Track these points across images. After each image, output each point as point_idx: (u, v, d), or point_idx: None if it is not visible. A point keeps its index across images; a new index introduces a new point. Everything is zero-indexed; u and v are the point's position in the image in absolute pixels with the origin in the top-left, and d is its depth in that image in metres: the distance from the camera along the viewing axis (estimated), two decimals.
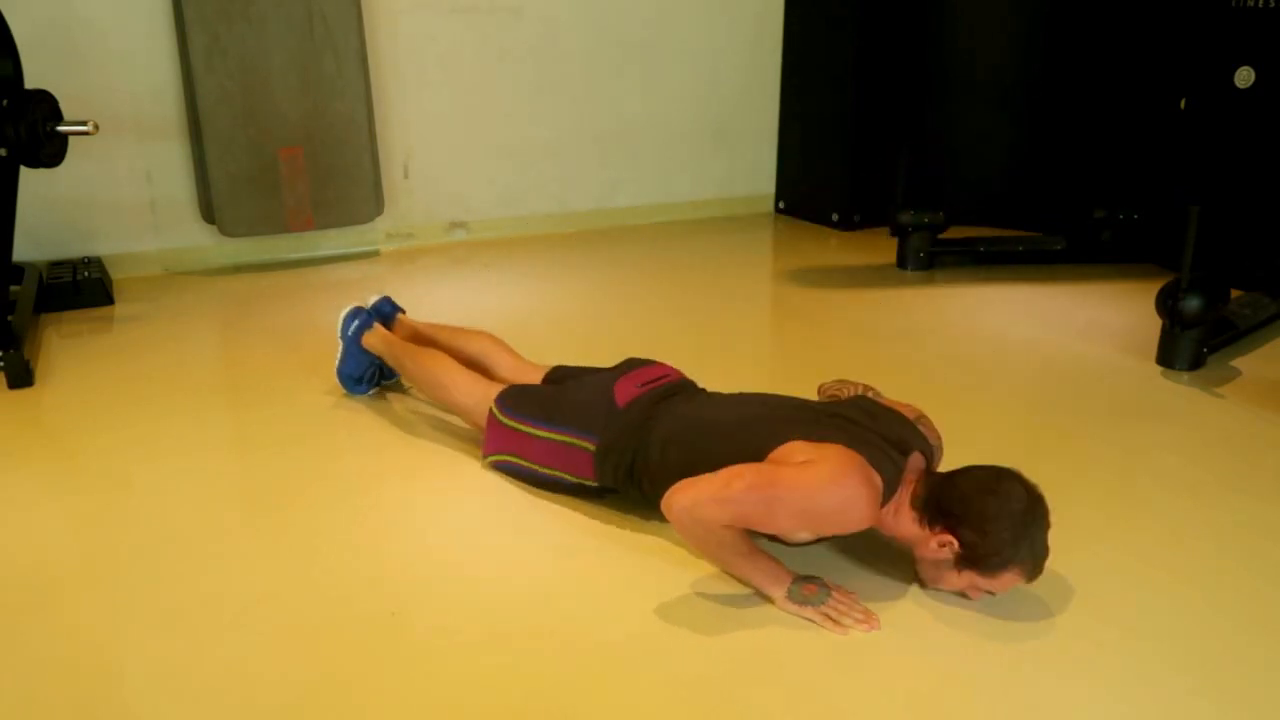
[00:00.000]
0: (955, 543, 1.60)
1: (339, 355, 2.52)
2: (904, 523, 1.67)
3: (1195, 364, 2.77)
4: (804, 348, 3.05)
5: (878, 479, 1.61)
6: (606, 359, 2.20)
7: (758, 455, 1.67)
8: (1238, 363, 2.84)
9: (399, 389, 2.62)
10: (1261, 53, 3.28)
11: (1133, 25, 3.88)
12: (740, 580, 1.71)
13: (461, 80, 4.13)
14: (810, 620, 1.62)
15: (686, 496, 1.62)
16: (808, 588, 1.66)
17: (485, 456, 2.13)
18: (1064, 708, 1.44)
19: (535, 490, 2.08)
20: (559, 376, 2.20)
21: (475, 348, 2.38)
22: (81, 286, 3.34)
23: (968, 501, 1.60)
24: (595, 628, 1.63)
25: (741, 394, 1.99)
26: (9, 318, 2.80)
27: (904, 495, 1.67)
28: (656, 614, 1.66)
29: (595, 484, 1.96)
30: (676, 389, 2.01)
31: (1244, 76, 3.33)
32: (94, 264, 3.53)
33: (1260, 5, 3.25)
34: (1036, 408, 2.56)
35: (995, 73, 4.29)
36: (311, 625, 1.64)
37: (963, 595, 1.68)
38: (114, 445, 2.32)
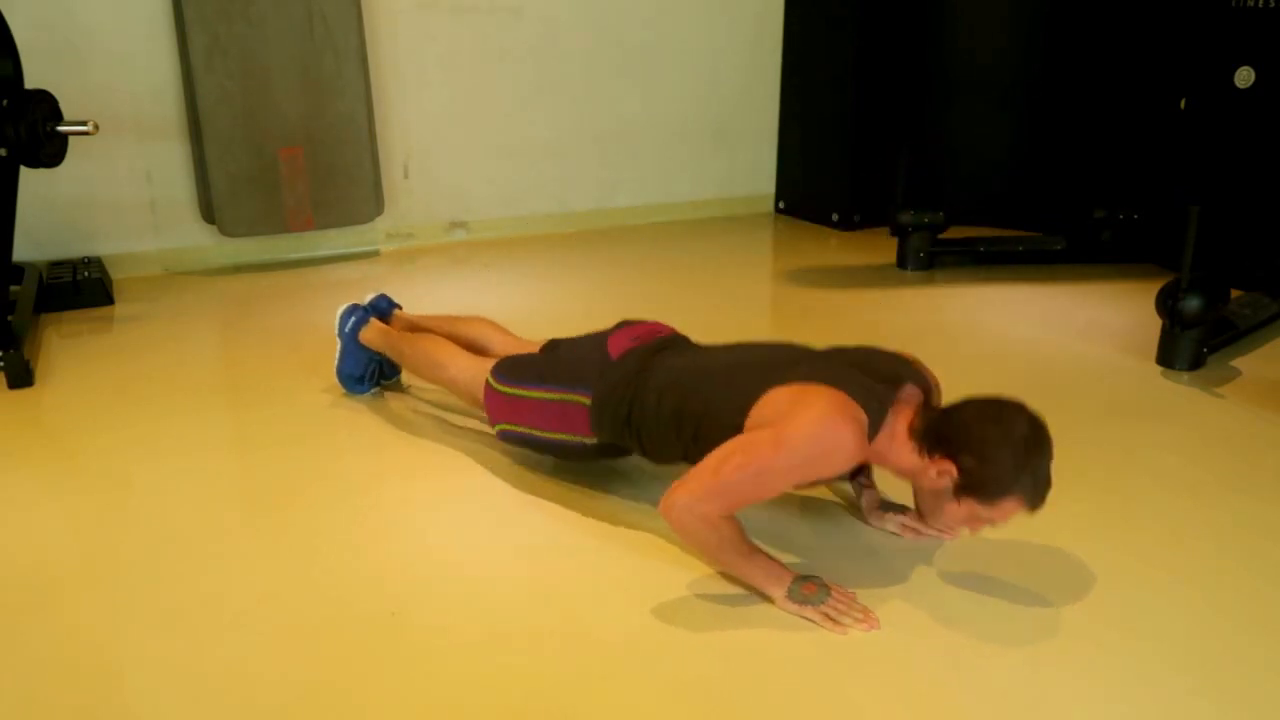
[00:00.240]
0: (955, 470, 1.57)
1: (338, 354, 2.52)
2: (902, 454, 1.65)
3: (1195, 364, 2.77)
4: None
5: (861, 414, 1.60)
6: None
7: (744, 403, 1.67)
8: (1238, 363, 2.84)
9: (399, 389, 2.62)
10: (1261, 53, 3.28)
11: (1133, 25, 3.88)
12: (740, 580, 1.71)
13: (461, 80, 4.13)
14: (810, 620, 1.62)
15: (682, 496, 1.62)
16: (807, 587, 1.66)
17: (493, 426, 2.12)
18: (1064, 707, 1.44)
19: (536, 490, 2.08)
20: (553, 346, 2.20)
21: (472, 331, 2.40)
22: (81, 286, 3.34)
23: (968, 428, 1.58)
24: (595, 628, 1.63)
25: (734, 343, 1.98)
26: (9, 318, 2.80)
27: (899, 426, 1.65)
28: (656, 614, 1.66)
29: (594, 440, 1.95)
30: (669, 343, 2.01)
31: (1244, 76, 3.33)
32: (94, 264, 3.53)
33: (1260, 5, 3.25)
34: (1036, 407, 2.55)
35: (995, 73, 4.29)
36: (311, 625, 1.64)
37: (965, 531, 1.67)
38: (114, 445, 2.32)
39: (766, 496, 1.66)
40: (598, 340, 2.03)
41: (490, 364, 2.13)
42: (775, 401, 1.65)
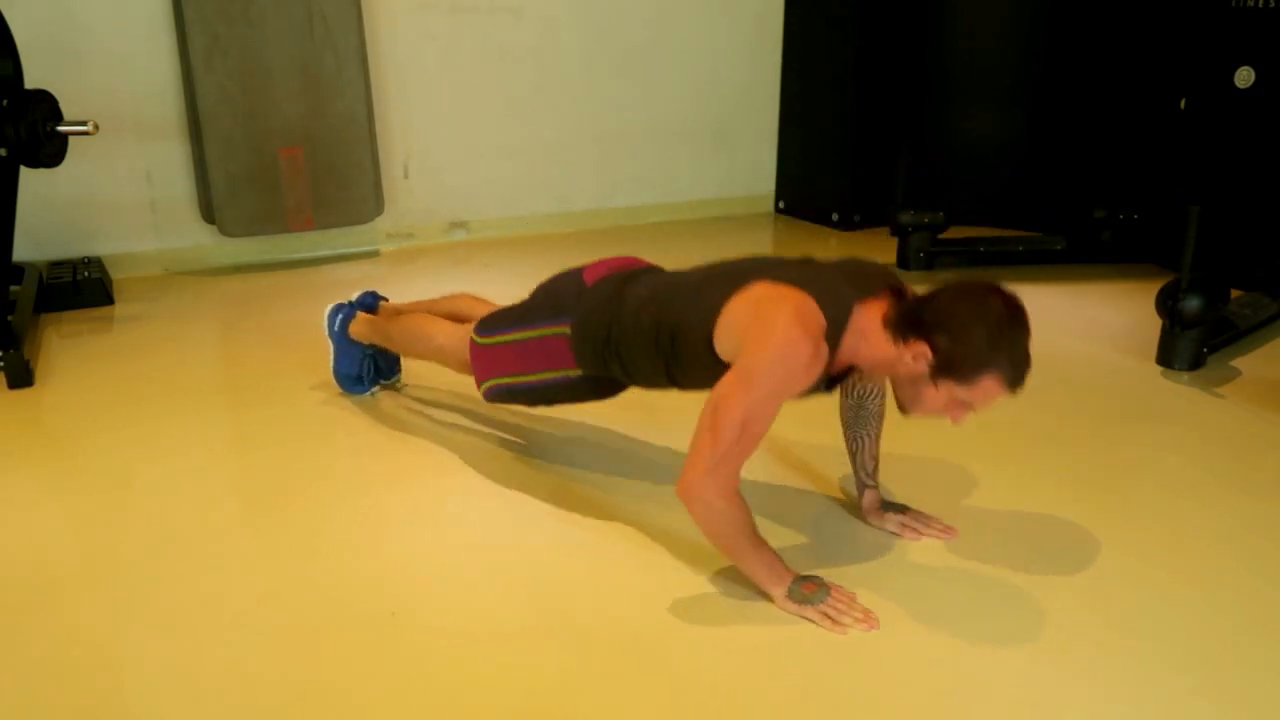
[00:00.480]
0: (929, 350, 1.55)
1: (331, 356, 2.52)
2: (876, 347, 1.63)
3: (1195, 364, 2.77)
4: None
5: (818, 319, 1.58)
6: None
7: (713, 308, 1.68)
8: (1238, 363, 2.84)
9: (399, 389, 2.62)
10: (1261, 53, 3.28)
11: (1133, 25, 3.88)
12: (743, 573, 1.71)
13: (461, 80, 4.13)
14: (809, 620, 1.62)
15: (696, 471, 1.61)
16: (807, 587, 1.66)
17: (480, 387, 2.12)
18: (1064, 707, 1.44)
19: (535, 490, 2.08)
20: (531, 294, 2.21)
21: (454, 305, 2.42)
22: (81, 286, 3.34)
23: (941, 308, 1.56)
24: (595, 628, 1.63)
25: (712, 261, 1.95)
26: (9, 318, 2.80)
27: (871, 322, 1.63)
28: (656, 614, 1.66)
29: (579, 372, 1.96)
30: (645, 270, 2.01)
31: (1244, 76, 3.33)
32: (94, 264, 3.53)
33: (1260, 5, 3.25)
34: (1036, 408, 2.55)
35: (995, 73, 4.29)
36: (311, 625, 1.64)
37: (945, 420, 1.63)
38: (114, 445, 2.32)
39: (764, 430, 1.63)
40: (573, 273, 2.04)
41: (473, 325, 2.15)
42: (736, 312, 1.66)
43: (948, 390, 1.57)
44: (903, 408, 1.68)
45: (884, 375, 1.69)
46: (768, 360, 1.58)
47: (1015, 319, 1.55)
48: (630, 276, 1.96)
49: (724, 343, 1.69)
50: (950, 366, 1.55)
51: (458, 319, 2.32)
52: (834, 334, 1.61)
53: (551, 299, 2.01)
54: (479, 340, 2.09)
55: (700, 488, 1.62)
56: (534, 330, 1.99)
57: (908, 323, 1.59)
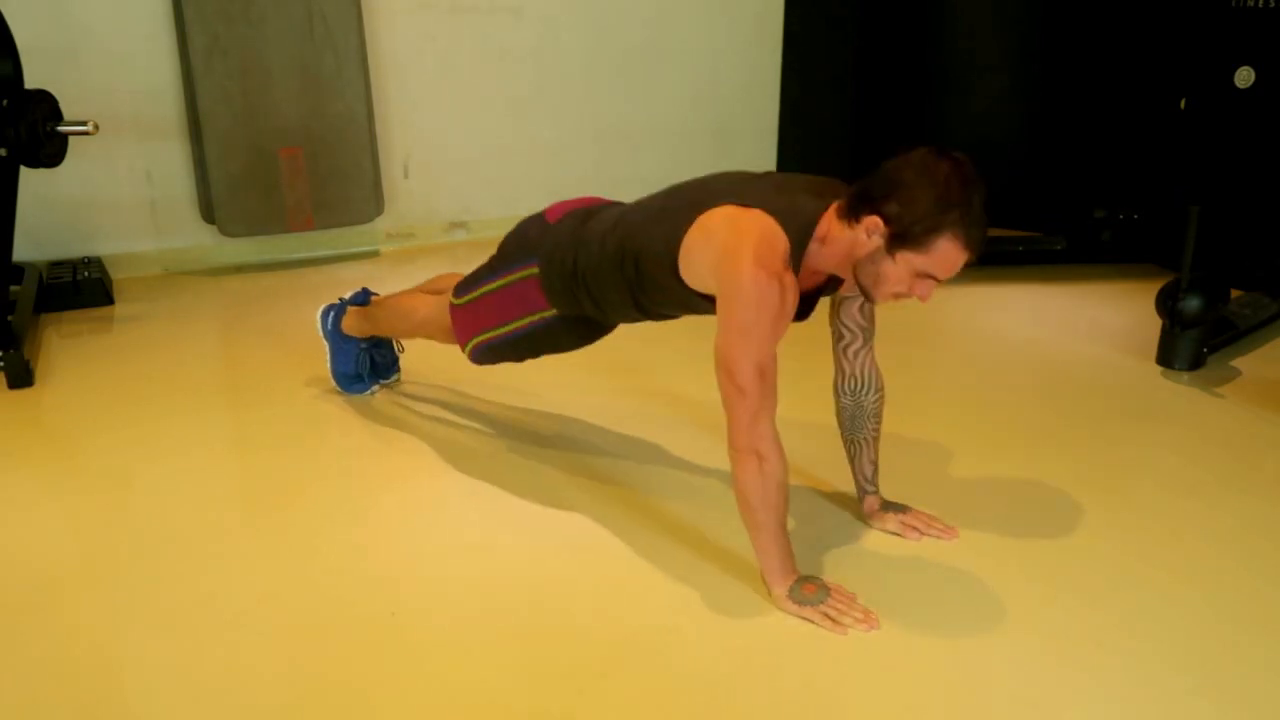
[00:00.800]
0: (880, 222, 1.53)
1: (328, 356, 2.52)
2: (836, 241, 1.61)
3: (1195, 364, 2.77)
4: (803, 348, 3.04)
5: (776, 237, 1.58)
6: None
7: (675, 231, 1.69)
8: (1238, 363, 2.84)
9: (399, 389, 2.62)
10: (1261, 53, 3.28)
11: (1133, 25, 3.88)
12: (756, 551, 1.69)
13: (461, 80, 4.13)
14: (809, 620, 1.62)
15: (740, 429, 1.61)
16: (807, 587, 1.66)
17: (464, 350, 2.13)
18: (1064, 707, 1.44)
19: (534, 490, 2.08)
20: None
21: (438, 284, 2.44)
22: (81, 286, 3.34)
23: (887, 178, 1.55)
24: (595, 628, 1.63)
25: (675, 185, 1.93)
26: (9, 318, 2.80)
27: (828, 222, 1.63)
28: (656, 614, 1.66)
29: (554, 312, 1.96)
30: (608, 205, 2.02)
31: (1244, 76, 3.33)
32: (94, 264, 3.53)
33: (1260, 5, 3.25)
34: (1036, 407, 2.56)
35: (995, 72, 4.29)
36: (311, 625, 1.64)
37: (905, 298, 1.61)
38: (114, 445, 2.32)
39: (776, 368, 1.62)
40: (535, 216, 2.05)
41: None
42: (697, 239, 1.66)
43: (906, 262, 1.55)
44: (867, 294, 1.65)
45: (846, 269, 1.65)
46: (747, 309, 1.58)
47: (963, 176, 1.52)
48: (593, 211, 1.97)
49: (689, 270, 1.70)
50: (904, 235, 1.52)
51: (440, 294, 2.33)
52: (798, 251, 1.61)
53: (519, 242, 2.03)
54: (456, 301, 2.11)
55: (753, 441, 1.61)
56: (504, 278, 2.01)
57: (857, 200, 1.58)
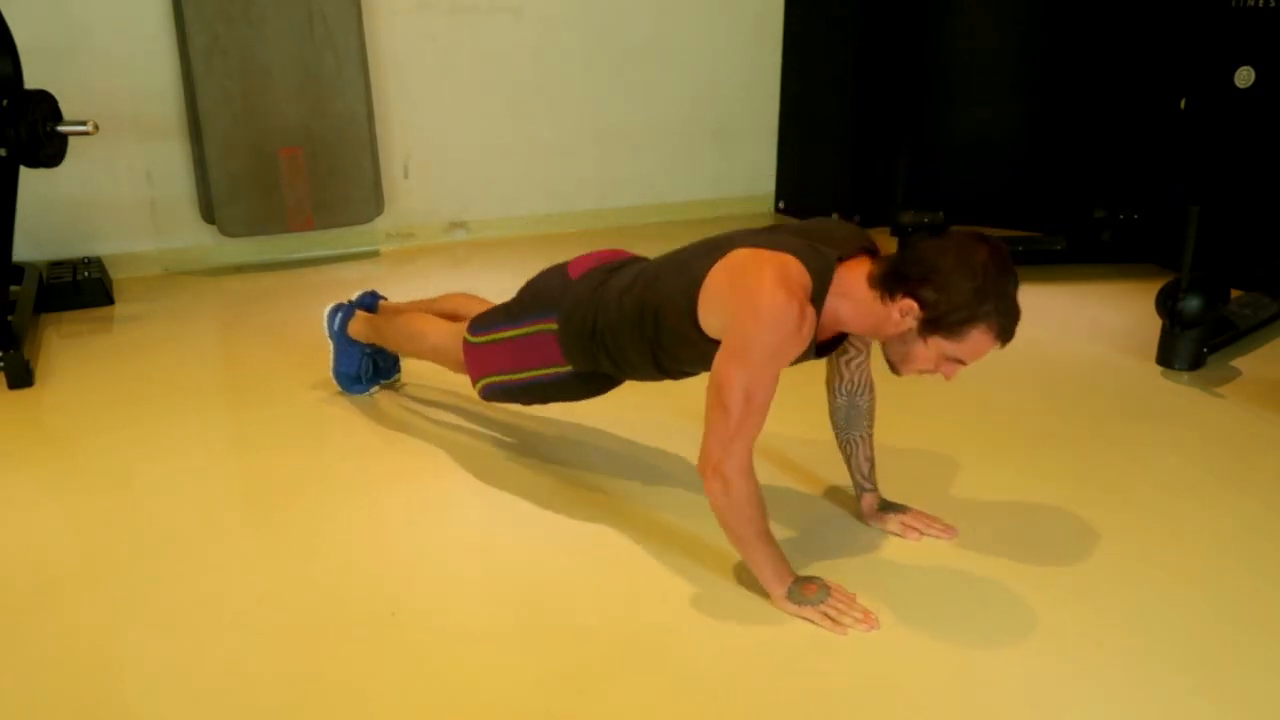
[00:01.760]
0: (916, 306, 1.53)
1: (331, 356, 2.52)
2: (862, 305, 1.61)
3: (1195, 364, 2.77)
4: None
5: (799, 274, 1.57)
6: None
7: (694, 281, 1.68)
8: (1238, 363, 2.84)
9: (398, 389, 2.62)
10: (1261, 53, 3.28)
11: (1133, 25, 3.88)
12: (747, 564, 1.70)
13: (461, 80, 4.13)
14: (809, 620, 1.62)
15: (712, 450, 1.61)
16: (807, 588, 1.66)
17: (475, 385, 2.13)
18: (1064, 707, 1.44)
19: (534, 491, 2.08)
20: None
21: (450, 304, 2.43)
22: (81, 286, 3.34)
23: (926, 261, 1.54)
24: (595, 628, 1.63)
25: (694, 241, 1.94)
26: (9, 318, 2.79)
27: (855, 283, 1.62)
28: (656, 614, 1.66)
29: (570, 368, 1.96)
30: (630, 261, 2.01)
31: (1244, 76, 3.33)
32: (94, 264, 3.53)
33: (1260, 5, 3.25)
34: (1036, 407, 2.56)
35: (995, 72, 4.29)
36: (311, 625, 1.64)
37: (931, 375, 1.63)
38: (114, 445, 2.32)
39: (767, 400, 1.61)
40: (559, 268, 2.04)
41: (466, 324, 2.15)
42: (717, 281, 1.65)
43: (937, 346, 1.56)
44: (893, 367, 1.66)
45: (871, 336, 1.67)
46: (757, 329, 1.56)
47: (1002, 268, 1.52)
48: (615, 267, 1.97)
49: (708, 317, 1.68)
50: (939, 322, 1.53)
51: (453, 318, 2.33)
52: (819, 294, 1.60)
53: (539, 295, 2.02)
54: (471, 339, 2.09)
55: (719, 463, 1.61)
56: (523, 328, 2.00)
57: (893, 279, 1.57)
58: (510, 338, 2.02)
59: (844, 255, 1.65)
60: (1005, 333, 1.55)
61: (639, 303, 1.80)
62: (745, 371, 1.58)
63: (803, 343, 1.60)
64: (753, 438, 1.62)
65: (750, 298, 1.57)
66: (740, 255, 1.65)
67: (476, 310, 2.32)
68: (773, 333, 1.56)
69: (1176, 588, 1.75)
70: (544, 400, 2.12)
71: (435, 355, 2.27)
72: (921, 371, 1.63)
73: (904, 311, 1.55)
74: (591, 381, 2.00)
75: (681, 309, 1.70)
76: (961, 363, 1.58)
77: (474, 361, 2.10)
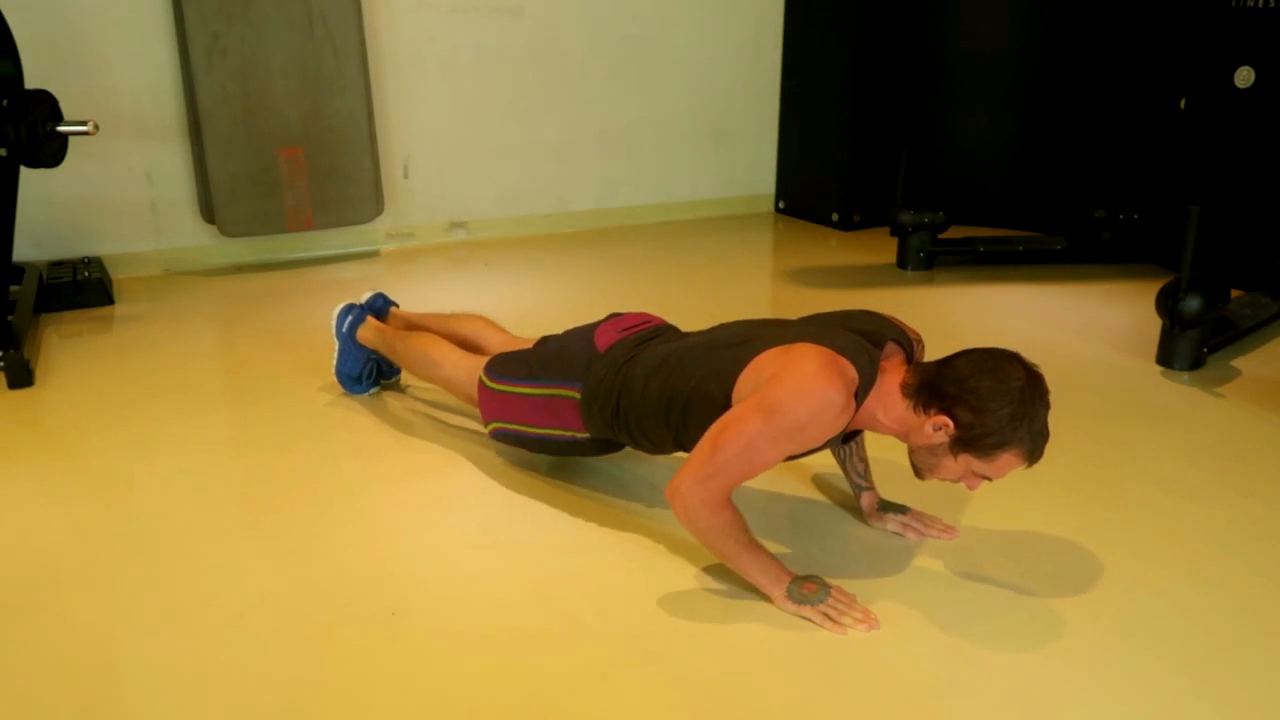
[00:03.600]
0: (951, 424, 1.55)
1: (336, 354, 2.52)
2: (894, 411, 1.63)
3: (1195, 364, 2.77)
4: None
5: (849, 370, 1.58)
6: None
7: (731, 373, 1.67)
8: (1238, 363, 2.84)
9: (398, 389, 2.62)
10: (1261, 53, 3.28)
11: (1133, 25, 3.88)
12: (741, 575, 1.71)
13: (461, 80, 4.13)
14: (809, 620, 1.62)
15: (685, 479, 1.62)
16: (807, 587, 1.66)
17: (485, 424, 2.13)
18: (1063, 708, 1.44)
19: (534, 491, 2.08)
20: (544, 341, 2.20)
21: (466, 328, 2.41)
22: (81, 286, 3.34)
23: (963, 381, 1.56)
24: (595, 627, 1.63)
25: (719, 324, 1.96)
26: (9, 318, 2.80)
27: (890, 385, 1.64)
28: (656, 614, 1.66)
29: (586, 435, 1.96)
30: (657, 333, 2.01)
31: (1244, 76, 3.33)
32: (94, 264, 3.53)
33: (1260, 5, 3.25)
34: None
35: (995, 72, 4.29)
36: (311, 625, 1.64)
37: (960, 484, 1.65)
38: (114, 445, 2.32)
39: (764, 468, 1.64)
40: (585, 333, 2.03)
41: (483, 362, 2.14)
42: (761, 365, 1.64)
43: (966, 463, 1.59)
44: (918, 472, 1.69)
45: (899, 438, 1.70)
46: (796, 398, 1.56)
47: (1036, 392, 1.56)
48: (641, 340, 1.95)
49: (744, 394, 1.66)
50: (972, 443, 1.56)
51: (468, 345, 2.32)
52: (862, 392, 1.62)
53: (563, 360, 2.00)
54: (488, 384, 2.08)
55: (687, 495, 1.62)
56: (544, 389, 1.99)
57: (929, 393, 1.59)
58: (531, 395, 2.01)
59: (881, 350, 1.67)
60: (1034, 455, 1.58)
61: (664, 391, 1.78)
62: (760, 426, 1.58)
63: (826, 434, 1.62)
64: (729, 485, 1.62)
65: (801, 374, 1.57)
66: (792, 353, 1.63)
67: (493, 340, 2.32)
68: (809, 410, 1.56)
69: (1176, 588, 1.75)
70: (554, 454, 2.11)
71: (447, 386, 2.27)
72: (946, 480, 1.66)
73: (937, 427, 1.58)
74: (604, 445, 2.01)
75: (714, 399, 1.69)
76: (988, 479, 1.61)
77: (489, 405, 2.09)
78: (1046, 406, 1.57)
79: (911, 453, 1.67)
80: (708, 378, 1.71)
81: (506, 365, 2.08)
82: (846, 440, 1.89)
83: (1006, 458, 1.56)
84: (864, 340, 1.66)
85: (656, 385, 1.80)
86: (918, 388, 1.61)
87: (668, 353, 1.86)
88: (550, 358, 2.03)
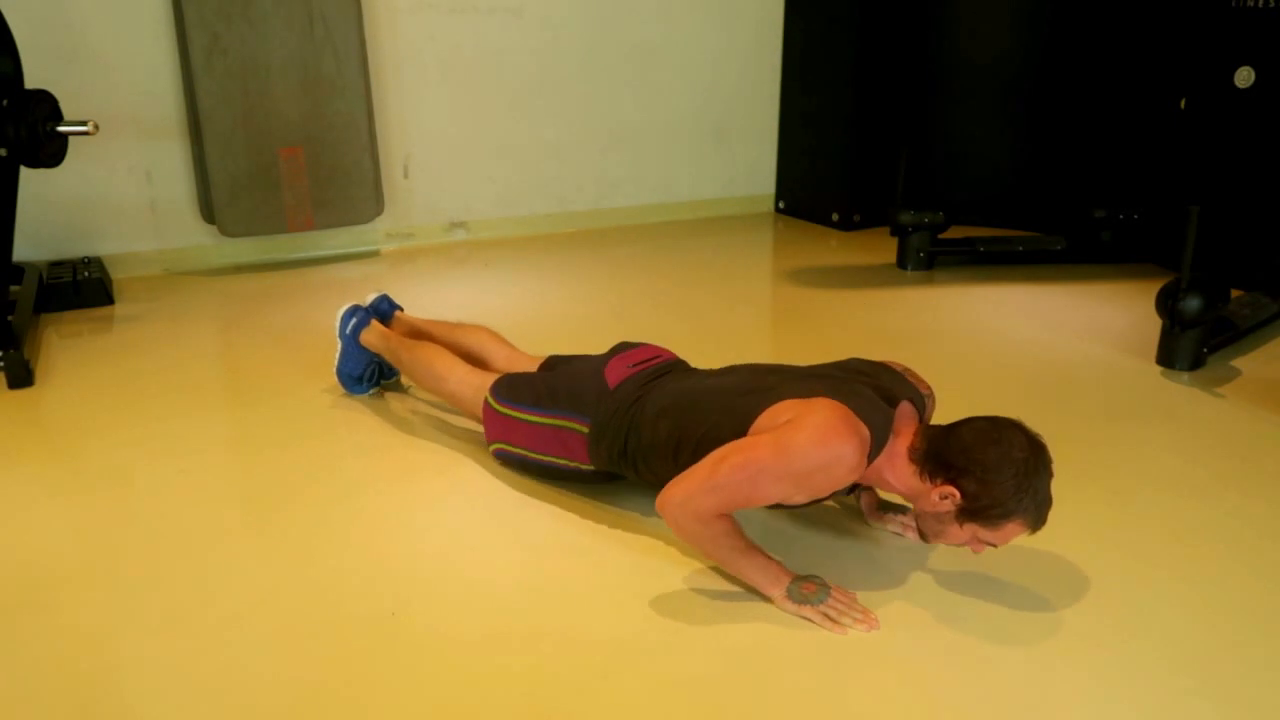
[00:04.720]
0: (957, 494, 1.57)
1: (338, 354, 2.52)
2: (902, 475, 1.65)
3: (1195, 364, 2.77)
4: (804, 348, 3.04)
5: (864, 430, 1.59)
6: None
7: (746, 419, 1.67)
8: (1238, 363, 2.84)
9: (399, 389, 2.62)
10: (1261, 53, 3.28)
11: (1133, 25, 3.88)
12: (740, 578, 1.71)
13: (461, 80, 4.13)
14: (809, 619, 1.62)
15: (677, 492, 1.63)
16: (806, 586, 1.66)
17: (488, 444, 2.14)
18: (1063, 708, 1.44)
19: (534, 491, 2.08)
20: (553, 364, 2.21)
21: (472, 341, 2.39)
22: (81, 286, 3.34)
23: (969, 452, 1.58)
24: (595, 627, 1.63)
25: (732, 366, 1.98)
26: (9, 318, 2.80)
27: (899, 447, 1.66)
28: (656, 613, 1.66)
29: (591, 468, 1.96)
30: (667, 369, 2.01)
31: (1244, 76, 3.33)
32: (94, 264, 3.53)
33: (1260, 5, 3.25)
34: (1036, 408, 2.55)
35: (995, 73, 4.29)
36: (311, 625, 1.64)
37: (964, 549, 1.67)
38: (114, 445, 2.32)
39: (760, 502, 1.66)
40: (596, 366, 2.02)
41: (490, 381, 2.13)
42: (777, 413, 1.65)
43: (972, 530, 1.61)
44: (924, 537, 1.70)
45: (906, 500, 1.72)
46: (811, 441, 1.57)
47: (1040, 463, 1.58)
48: (651, 376, 1.95)
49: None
50: (978, 512, 1.58)
51: (473, 358, 2.31)
52: (874, 453, 1.63)
53: (572, 393, 1.99)
54: (495, 407, 2.08)
55: (677, 507, 1.64)
56: (552, 419, 1.99)
57: (935, 462, 1.61)
58: (538, 423, 2.01)
59: (894, 409, 1.68)
60: (1038, 523, 1.60)
61: (675, 432, 1.79)
62: (770, 461, 1.59)
63: (829, 488, 1.63)
64: (719, 506, 1.63)
65: (820, 424, 1.57)
66: (818, 401, 1.63)
67: (498, 356, 2.31)
68: (821, 460, 1.57)
69: (1176, 588, 1.75)
70: (554, 480, 2.10)
71: (451, 400, 2.27)
72: (950, 544, 1.68)
73: (944, 496, 1.59)
74: (610, 478, 2.01)
75: (728, 439, 1.69)
76: (993, 545, 1.63)
77: (494, 427, 2.09)
78: (1050, 475, 1.60)
79: (918, 518, 1.70)
80: (721, 423, 1.71)
81: (514, 389, 2.08)
82: (850, 492, 1.90)
83: (1011, 526, 1.58)
84: (879, 399, 1.68)
85: (666, 426, 1.81)
86: (924, 455, 1.63)
87: (678, 392, 1.86)
88: (559, 388, 2.02)
